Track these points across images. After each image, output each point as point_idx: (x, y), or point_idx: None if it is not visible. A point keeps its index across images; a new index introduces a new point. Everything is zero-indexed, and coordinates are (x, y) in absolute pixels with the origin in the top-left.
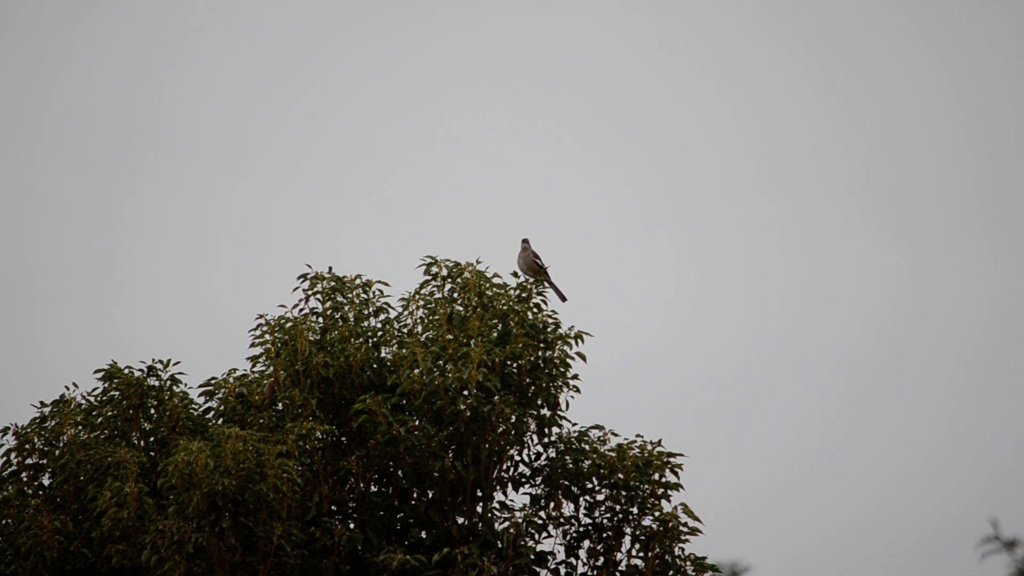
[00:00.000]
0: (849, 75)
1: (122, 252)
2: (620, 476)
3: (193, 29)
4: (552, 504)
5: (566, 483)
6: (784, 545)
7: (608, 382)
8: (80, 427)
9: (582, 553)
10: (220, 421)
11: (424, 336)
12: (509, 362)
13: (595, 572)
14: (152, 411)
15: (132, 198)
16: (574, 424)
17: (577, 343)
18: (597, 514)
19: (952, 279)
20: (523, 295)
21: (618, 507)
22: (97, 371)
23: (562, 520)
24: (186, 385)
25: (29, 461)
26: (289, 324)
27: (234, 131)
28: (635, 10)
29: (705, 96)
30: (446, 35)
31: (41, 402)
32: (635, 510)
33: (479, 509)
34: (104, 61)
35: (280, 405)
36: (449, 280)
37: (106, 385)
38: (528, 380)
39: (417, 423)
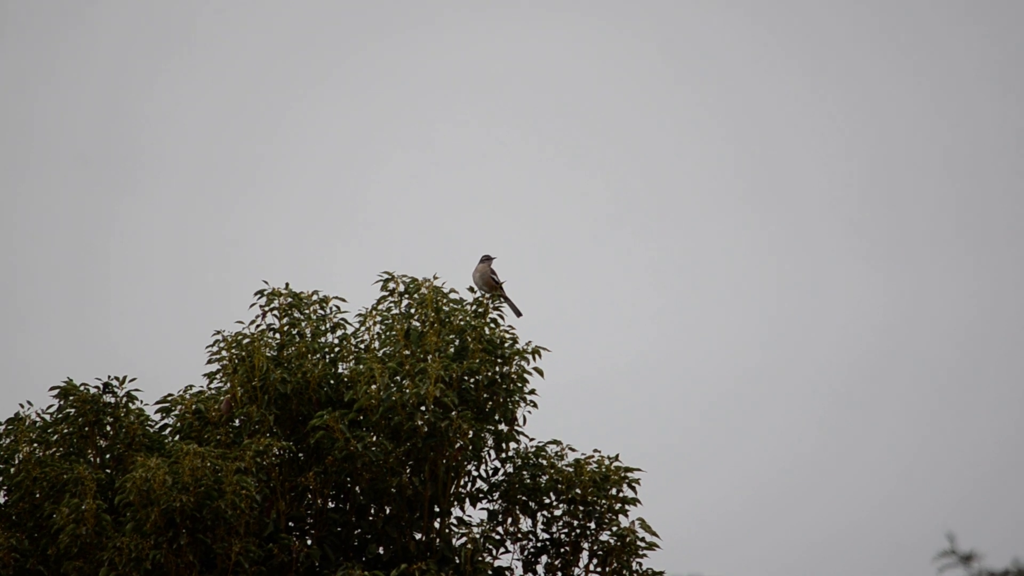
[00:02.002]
0: (835, 92)
1: (112, 259)
2: (578, 491)
3: (181, 39)
4: (510, 519)
5: (524, 498)
6: (752, 561)
7: (585, 396)
8: (35, 444)
9: (540, 568)
10: (177, 438)
11: (381, 352)
12: (466, 377)
13: None
14: (108, 428)
15: (123, 205)
16: (532, 439)
17: (535, 358)
18: (555, 529)
19: (934, 295)
20: (480, 310)
21: (576, 522)
22: (52, 388)
23: (520, 535)
24: (142, 402)
25: None
26: (246, 340)
27: (220, 142)
28: (618, 21)
29: (690, 109)
30: (423, 52)
31: None
32: (593, 525)
33: (437, 525)
34: (96, 66)
35: (237, 421)
36: (406, 296)
37: (61, 402)
38: (486, 395)
39: (374, 439)
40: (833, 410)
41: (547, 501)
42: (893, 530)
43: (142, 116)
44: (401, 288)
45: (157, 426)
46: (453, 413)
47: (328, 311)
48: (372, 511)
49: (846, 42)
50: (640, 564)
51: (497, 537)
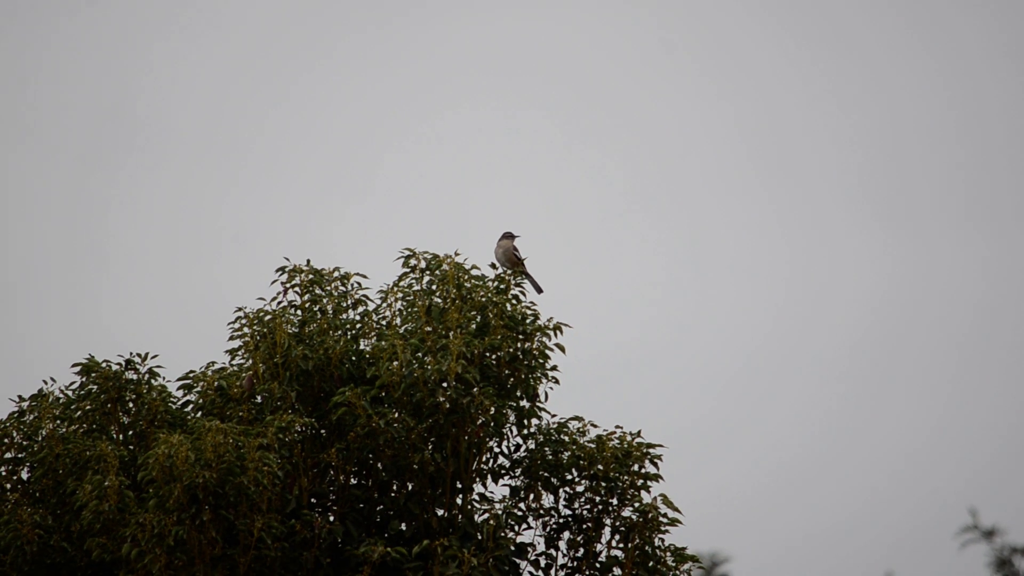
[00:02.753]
0: (843, 70)
1: (108, 246)
2: (600, 467)
3: (180, 23)
4: (532, 496)
5: (546, 474)
6: (771, 537)
7: (598, 374)
8: (59, 421)
9: (562, 544)
10: (199, 414)
11: (403, 328)
12: (488, 354)
13: (575, 563)
14: (130, 405)
15: (119, 192)
16: (553, 416)
17: (556, 334)
18: (577, 505)
19: (944, 273)
20: (501, 287)
21: (598, 498)
22: (74, 365)
23: (542, 511)
24: (164, 379)
25: (8, 455)
26: (268, 317)
27: (221, 124)
28: (631, 7)
29: (699, 90)
30: (436, 32)
31: (19, 396)
32: (615, 501)
33: (459, 501)
34: (91, 54)
35: (259, 398)
36: (427, 272)
37: (83, 379)
38: (507, 372)
39: (396, 415)
40: (848, 385)
41: (569, 477)
42: (910, 504)
43: (137, 102)
44: (423, 264)
45: (179, 403)
46: (475, 389)
47: (350, 287)
48: (394, 487)
49: (852, 18)
50: (662, 540)
51: (519, 513)
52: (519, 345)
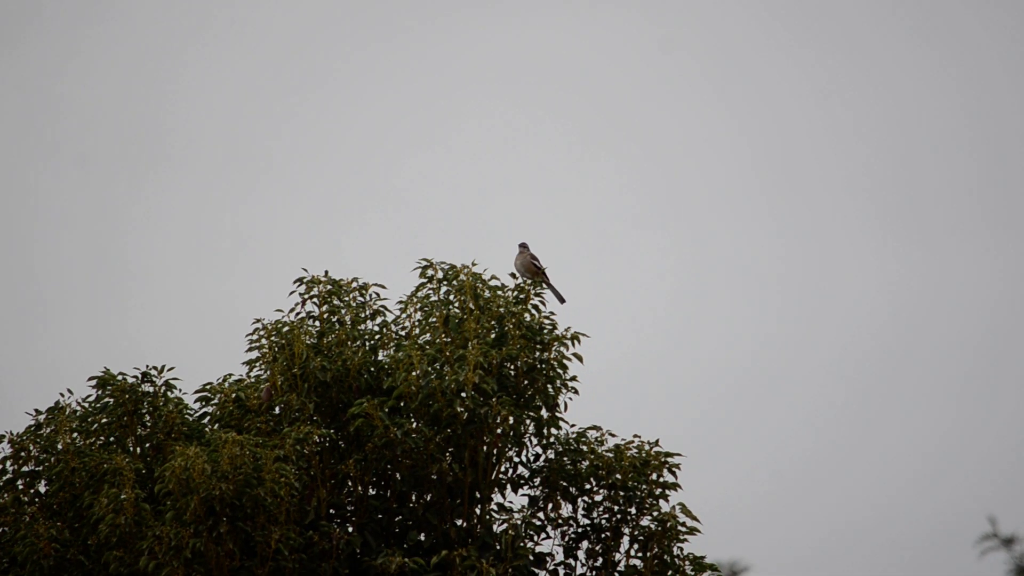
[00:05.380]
0: (847, 75)
1: (129, 257)
2: (618, 476)
3: (204, 38)
4: (550, 505)
5: (564, 484)
6: (785, 544)
7: (607, 383)
8: (75, 434)
9: (581, 554)
10: (216, 426)
11: (421, 339)
12: (506, 364)
13: (594, 573)
14: (147, 417)
15: (139, 202)
16: (572, 425)
17: (574, 344)
18: (595, 515)
19: (950, 279)
20: (520, 296)
21: (616, 507)
22: (91, 378)
23: (560, 521)
24: (181, 391)
25: (25, 469)
26: (286, 328)
27: (241, 135)
28: (634, 12)
29: (703, 96)
30: (447, 41)
31: (36, 409)
32: (633, 510)
33: (477, 511)
34: (111, 66)
35: (277, 409)
36: (445, 283)
37: (100, 392)
38: (525, 382)
39: (414, 426)
40: (860, 391)
41: (588, 487)
42: (926, 512)
43: (157, 113)
44: (440, 275)
45: (197, 414)
46: (493, 399)
47: (368, 298)
48: (412, 498)
49: (856, 20)
50: (681, 549)
51: (538, 523)
52: (537, 355)
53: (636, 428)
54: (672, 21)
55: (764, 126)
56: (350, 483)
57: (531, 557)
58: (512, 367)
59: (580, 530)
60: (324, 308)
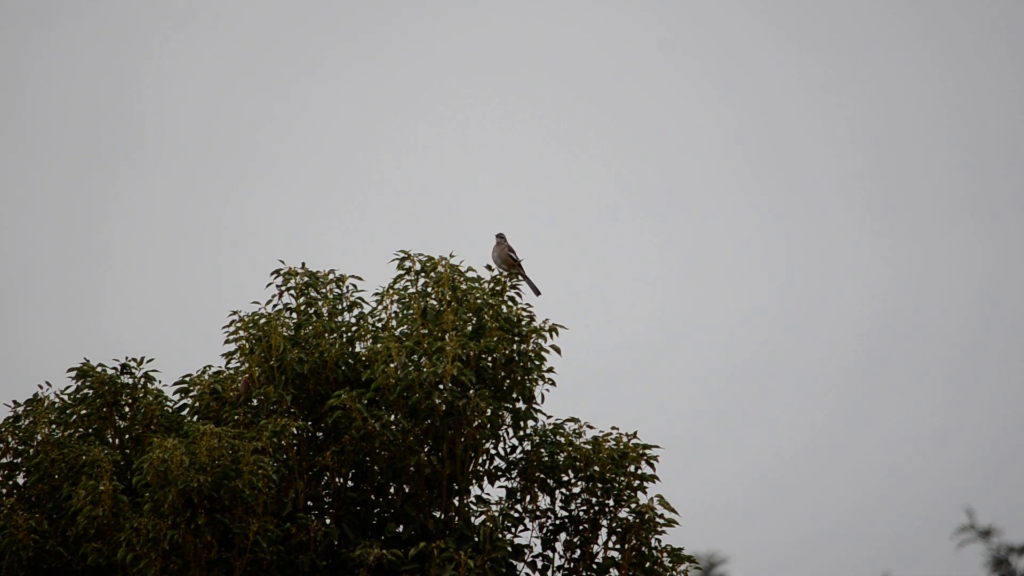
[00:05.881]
0: (841, 70)
1: (106, 247)
2: (596, 468)
3: (179, 25)
4: (528, 497)
5: (542, 476)
6: (765, 537)
7: (596, 375)
8: (54, 426)
9: (559, 546)
10: (195, 418)
11: (398, 331)
12: (484, 356)
13: (572, 565)
14: (126, 409)
15: (116, 194)
16: (549, 417)
17: (552, 336)
18: (573, 507)
19: (941, 273)
20: (497, 288)
21: (594, 499)
22: (70, 370)
23: (538, 513)
24: (160, 383)
25: (3, 460)
26: (263, 320)
27: (221, 125)
28: (629, 6)
29: (697, 89)
30: (432, 33)
31: (15, 401)
32: (611, 502)
33: (455, 503)
34: (89, 55)
35: (255, 401)
36: (422, 274)
37: (79, 383)
38: (503, 374)
39: (392, 418)
40: (845, 385)
41: (565, 479)
42: (906, 503)
43: (135, 104)
44: (417, 267)
45: (175, 407)
46: (471, 391)
47: (345, 290)
48: (390, 490)
49: (849, 19)
50: (659, 541)
51: (516, 515)
52: (515, 347)
53: (623, 421)
54: (667, 17)
55: (756, 122)
56: (328, 475)
57: (509, 549)
58: (490, 359)
59: (558, 522)
60: (301, 300)
